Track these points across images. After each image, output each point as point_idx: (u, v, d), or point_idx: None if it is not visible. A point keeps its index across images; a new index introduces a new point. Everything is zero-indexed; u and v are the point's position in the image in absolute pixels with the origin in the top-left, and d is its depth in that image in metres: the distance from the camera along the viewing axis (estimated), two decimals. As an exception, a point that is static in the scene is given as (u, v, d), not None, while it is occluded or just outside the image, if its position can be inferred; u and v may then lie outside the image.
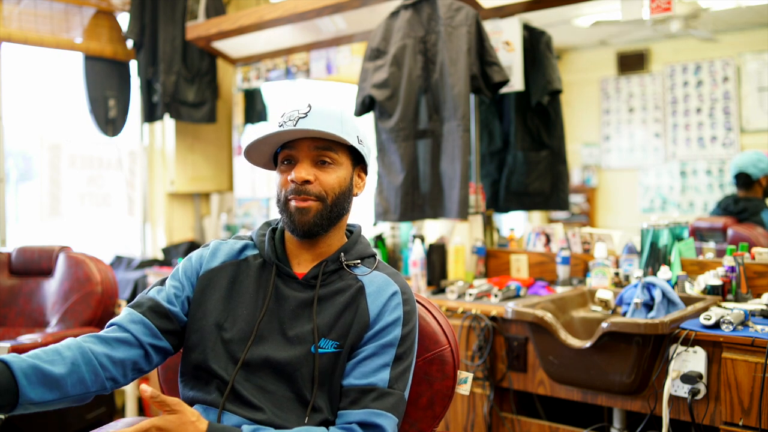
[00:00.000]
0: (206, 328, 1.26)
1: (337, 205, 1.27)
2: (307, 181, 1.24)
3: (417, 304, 1.40)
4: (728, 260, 2.18)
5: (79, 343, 1.17)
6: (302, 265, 1.31)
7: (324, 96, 4.07)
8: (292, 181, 1.24)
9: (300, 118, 1.24)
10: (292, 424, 1.20)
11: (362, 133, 1.32)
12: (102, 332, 1.23)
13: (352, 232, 1.39)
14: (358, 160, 1.33)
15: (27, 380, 1.07)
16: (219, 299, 1.28)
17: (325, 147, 1.25)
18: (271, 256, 1.30)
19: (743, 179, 3.09)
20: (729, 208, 3.10)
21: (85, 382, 1.15)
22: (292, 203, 1.25)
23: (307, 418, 1.20)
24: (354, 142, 1.27)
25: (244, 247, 1.35)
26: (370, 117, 2.84)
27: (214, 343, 1.25)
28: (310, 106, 1.26)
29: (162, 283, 1.33)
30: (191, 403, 1.26)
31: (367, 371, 1.22)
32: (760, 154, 3.13)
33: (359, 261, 1.32)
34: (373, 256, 1.36)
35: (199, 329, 1.27)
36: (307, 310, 1.26)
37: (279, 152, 1.30)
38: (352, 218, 1.40)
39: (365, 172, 1.36)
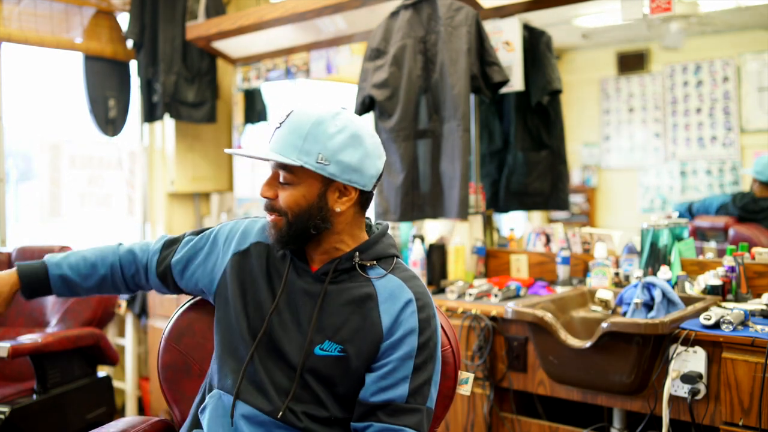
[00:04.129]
0: (231, 313, 1.31)
1: (300, 222, 1.23)
2: (272, 198, 1.25)
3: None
4: (728, 260, 2.18)
5: (120, 275, 1.43)
6: (316, 261, 1.30)
7: (317, 98, 4.07)
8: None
9: (276, 128, 1.25)
10: (293, 415, 1.22)
11: (333, 148, 1.21)
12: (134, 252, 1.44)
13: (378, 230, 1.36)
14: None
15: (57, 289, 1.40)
16: (243, 283, 1.32)
17: (281, 166, 1.23)
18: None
19: None
20: (748, 207, 3.11)
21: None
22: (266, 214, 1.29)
23: (281, 413, 1.21)
24: (308, 162, 1.20)
25: None
26: (370, 117, 2.84)
27: (237, 327, 1.29)
28: (289, 114, 1.25)
29: (198, 235, 1.43)
30: (211, 388, 1.31)
31: (386, 386, 1.20)
32: None
33: (375, 261, 1.29)
34: (393, 256, 1.32)
35: (226, 312, 1.32)
36: (313, 305, 1.26)
37: None
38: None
39: (356, 186, 1.25)
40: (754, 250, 2.24)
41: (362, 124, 1.27)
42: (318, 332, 1.24)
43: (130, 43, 3.81)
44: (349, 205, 1.26)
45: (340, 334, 1.23)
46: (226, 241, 1.38)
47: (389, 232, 1.37)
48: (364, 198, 1.29)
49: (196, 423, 1.33)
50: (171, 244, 1.44)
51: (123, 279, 1.44)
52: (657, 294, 2.06)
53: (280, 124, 1.24)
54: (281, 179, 1.24)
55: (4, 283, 1.35)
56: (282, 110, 1.28)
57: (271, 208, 1.25)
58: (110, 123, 3.81)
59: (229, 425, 1.24)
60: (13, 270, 1.38)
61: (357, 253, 1.28)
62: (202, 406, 1.31)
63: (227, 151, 1.36)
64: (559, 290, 2.48)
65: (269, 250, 1.33)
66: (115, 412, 2.73)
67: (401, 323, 1.22)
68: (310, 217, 1.23)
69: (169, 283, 1.43)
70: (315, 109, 1.24)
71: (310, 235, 1.25)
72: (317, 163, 1.21)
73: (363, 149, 1.24)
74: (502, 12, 2.75)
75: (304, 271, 1.29)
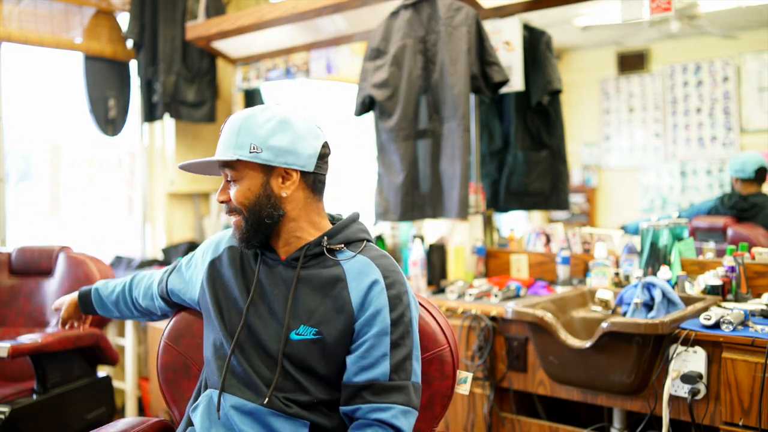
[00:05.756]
0: (212, 316, 1.36)
1: (255, 213, 1.29)
2: (226, 201, 1.31)
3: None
4: (728, 260, 2.18)
5: (128, 295, 1.62)
6: (282, 253, 1.34)
7: (316, 99, 4.08)
8: None
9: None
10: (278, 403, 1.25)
11: (262, 136, 1.26)
12: (141, 291, 1.60)
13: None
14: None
15: (96, 301, 1.69)
16: (219, 285, 1.38)
17: (224, 165, 1.31)
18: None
19: (763, 174, 3.09)
20: (738, 205, 3.11)
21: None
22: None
23: (266, 399, 1.24)
24: (242, 155, 1.25)
25: None
26: (370, 117, 2.84)
27: (218, 327, 1.33)
28: (226, 122, 1.33)
29: (177, 266, 1.52)
30: (205, 387, 1.34)
31: (367, 365, 1.22)
32: None
33: (343, 246, 1.32)
34: (362, 240, 1.35)
35: (208, 316, 1.38)
36: (287, 292, 1.29)
37: None
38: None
39: (295, 168, 1.28)
40: (754, 250, 2.24)
41: (293, 111, 1.32)
42: (293, 318, 1.27)
43: (130, 43, 3.81)
44: (294, 188, 1.29)
45: (314, 318, 1.26)
46: (204, 253, 1.45)
47: (361, 220, 1.40)
48: (310, 180, 1.31)
49: (191, 422, 1.35)
50: (171, 269, 1.55)
51: (131, 300, 1.62)
52: (657, 294, 2.06)
53: (221, 133, 1.33)
54: (228, 179, 1.31)
55: (70, 298, 1.74)
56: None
57: (229, 210, 1.32)
58: (110, 123, 3.81)
59: (217, 419, 1.27)
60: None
61: (325, 238, 1.31)
62: (194, 405, 1.33)
63: (179, 166, 1.39)
64: (559, 290, 2.48)
65: (242, 252, 1.39)
66: (115, 412, 2.73)
67: (371, 301, 1.24)
68: (261, 208, 1.28)
69: (169, 302, 1.54)
70: (247, 109, 1.32)
71: (267, 225, 1.30)
72: (250, 153, 1.27)
73: (293, 132, 1.28)
74: (502, 12, 2.75)
75: (274, 261, 1.33)
